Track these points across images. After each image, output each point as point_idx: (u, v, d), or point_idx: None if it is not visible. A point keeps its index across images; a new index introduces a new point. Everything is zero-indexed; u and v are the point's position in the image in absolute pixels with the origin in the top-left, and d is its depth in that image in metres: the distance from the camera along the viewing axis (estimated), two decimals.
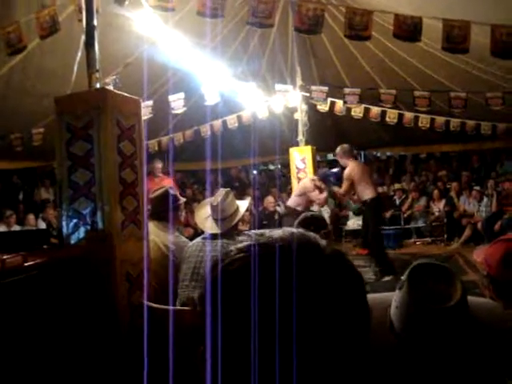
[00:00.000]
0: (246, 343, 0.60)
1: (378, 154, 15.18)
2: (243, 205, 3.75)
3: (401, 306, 1.11)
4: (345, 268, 0.69)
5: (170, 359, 2.33)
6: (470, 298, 1.13)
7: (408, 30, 4.34)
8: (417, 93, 8.26)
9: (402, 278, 1.14)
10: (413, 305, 1.09)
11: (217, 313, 0.65)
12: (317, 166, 9.24)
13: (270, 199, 10.22)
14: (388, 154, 14.87)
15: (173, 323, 2.84)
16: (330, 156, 14.80)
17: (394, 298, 1.14)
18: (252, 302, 0.61)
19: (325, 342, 0.62)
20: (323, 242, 0.71)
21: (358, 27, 4.57)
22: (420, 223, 11.04)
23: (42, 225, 9.34)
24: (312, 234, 0.72)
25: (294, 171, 9.03)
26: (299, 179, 8.85)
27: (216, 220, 3.54)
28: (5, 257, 2.72)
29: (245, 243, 0.69)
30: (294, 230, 0.72)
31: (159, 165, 9.38)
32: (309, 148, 9.03)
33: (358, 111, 9.21)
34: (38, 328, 2.81)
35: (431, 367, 1.08)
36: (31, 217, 9.46)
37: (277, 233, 0.71)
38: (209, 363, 0.67)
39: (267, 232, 0.71)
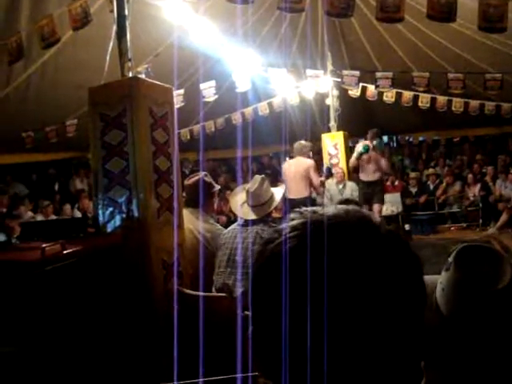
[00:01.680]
0: (301, 323, 0.59)
1: (411, 139, 14.95)
2: (278, 192, 3.74)
3: (447, 288, 1.09)
4: (402, 247, 0.67)
5: (206, 344, 2.35)
6: None
7: (442, 10, 4.23)
8: (450, 75, 8.09)
9: (449, 259, 1.12)
10: (460, 287, 1.06)
11: (271, 293, 0.63)
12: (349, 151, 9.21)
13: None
14: (420, 138, 14.64)
15: (209, 309, 2.86)
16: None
17: (440, 279, 1.12)
18: (309, 281, 0.60)
19: (383, 320, 0.61)
20: (378, 220, 0.69)
21: (390, 9, 4.48)
22: (455, 208, 10.87)
23: (78, 215, 9.49)
24: (367, 212, 0.70)
25: (326, 157, 8.99)
26: (332, 165, 8.82)
27: (252, 206, 3.54)
28: (44, 245, 2.77)
29: (298, 221, 0.68)
30: (348, 207, 0.70)
31: None
32: (341, 134, 8.98)
33: (389, 96, 9.09)
34: (77, 314, 2.86)
35: (477, 350, 1.06)
36: (67, 207, 9.62)
37: (331, 210, 0.69)
38: (258, 343, 0.66)
39: (320, 209, 0.69)
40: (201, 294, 3.23)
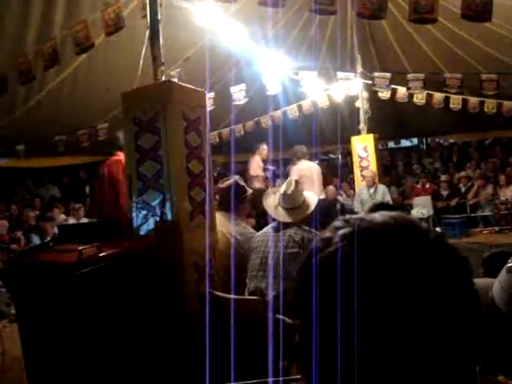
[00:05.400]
0: (353, 331, 0.59)
1: (441, 141, 14.76)
2: (312, 196, 3.72)
3: (509, 288, 1.08)
4: (451, 251, 0.67)
5: (238, 348, 2.35)
6: None
7: (477, 9, 4.17)
8: (483, 76, 7.96)
9: (510, 260, 1.11)
10: None
11: (320, 301, 0.63)
12: (378, 154, 9.13)
13: (331, 188, 10.07)
14: (451, 140, 14.43)
15: (241, 312, 2.86)
16: (392, 144, 14.54)
17: (499, 279, 1.11)
18: (360, 289, 0.60)
19: (437, 325, 0.60)
20: (425, 226, 0.69)
21: (424, 10, 4.43)
22: (487, 211, 10.67)
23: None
24: (413, 218, 0.70)
25: (356, 160, 8.92)
26: (362, 168, 8.75)
27: (286, 209, 3.53)
28: (81, 247, 2.80)
29: (347, 229, 0.67)
30: (393, 213, 0.70)
31: None
32: (371, 136, 8.90)
33: (420, 98, 8.98)
34: (112, 317, 2.88)
35: None
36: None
37: (377, 217, 0.68)
38: (313, 351, 0.66)
39: (366, 216, 0.69)
40: (232, 296, 3.23)
